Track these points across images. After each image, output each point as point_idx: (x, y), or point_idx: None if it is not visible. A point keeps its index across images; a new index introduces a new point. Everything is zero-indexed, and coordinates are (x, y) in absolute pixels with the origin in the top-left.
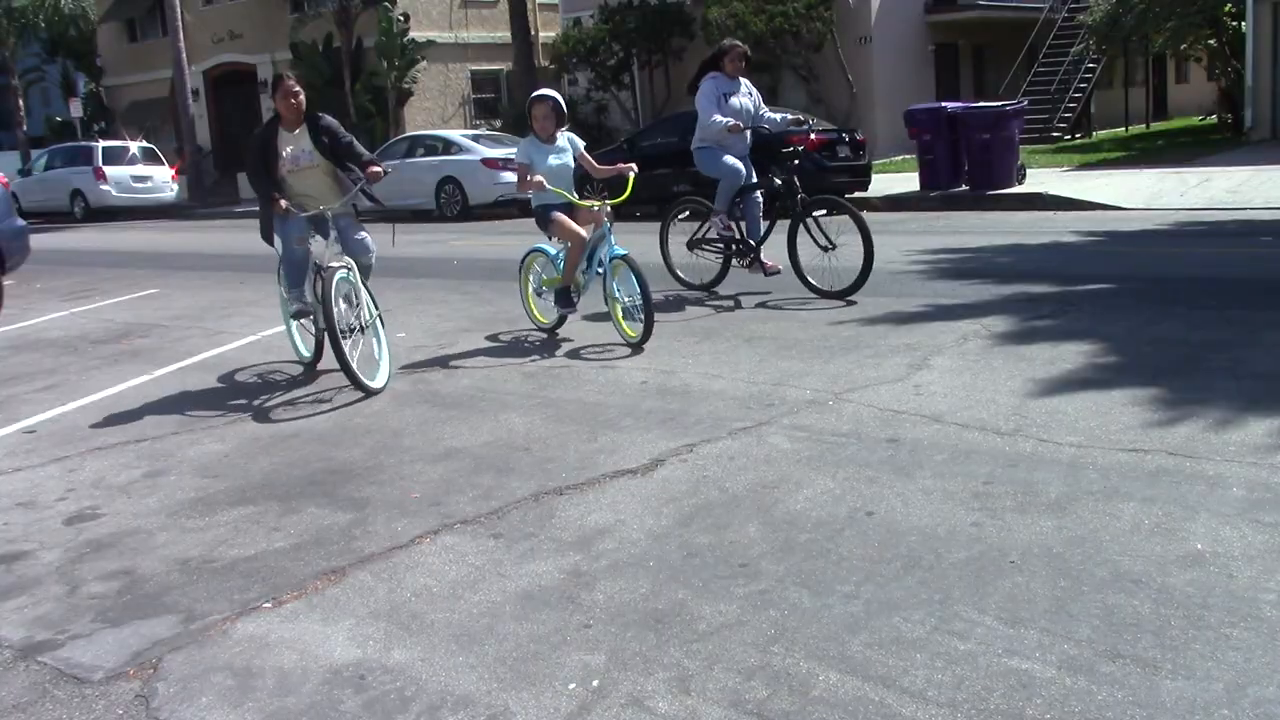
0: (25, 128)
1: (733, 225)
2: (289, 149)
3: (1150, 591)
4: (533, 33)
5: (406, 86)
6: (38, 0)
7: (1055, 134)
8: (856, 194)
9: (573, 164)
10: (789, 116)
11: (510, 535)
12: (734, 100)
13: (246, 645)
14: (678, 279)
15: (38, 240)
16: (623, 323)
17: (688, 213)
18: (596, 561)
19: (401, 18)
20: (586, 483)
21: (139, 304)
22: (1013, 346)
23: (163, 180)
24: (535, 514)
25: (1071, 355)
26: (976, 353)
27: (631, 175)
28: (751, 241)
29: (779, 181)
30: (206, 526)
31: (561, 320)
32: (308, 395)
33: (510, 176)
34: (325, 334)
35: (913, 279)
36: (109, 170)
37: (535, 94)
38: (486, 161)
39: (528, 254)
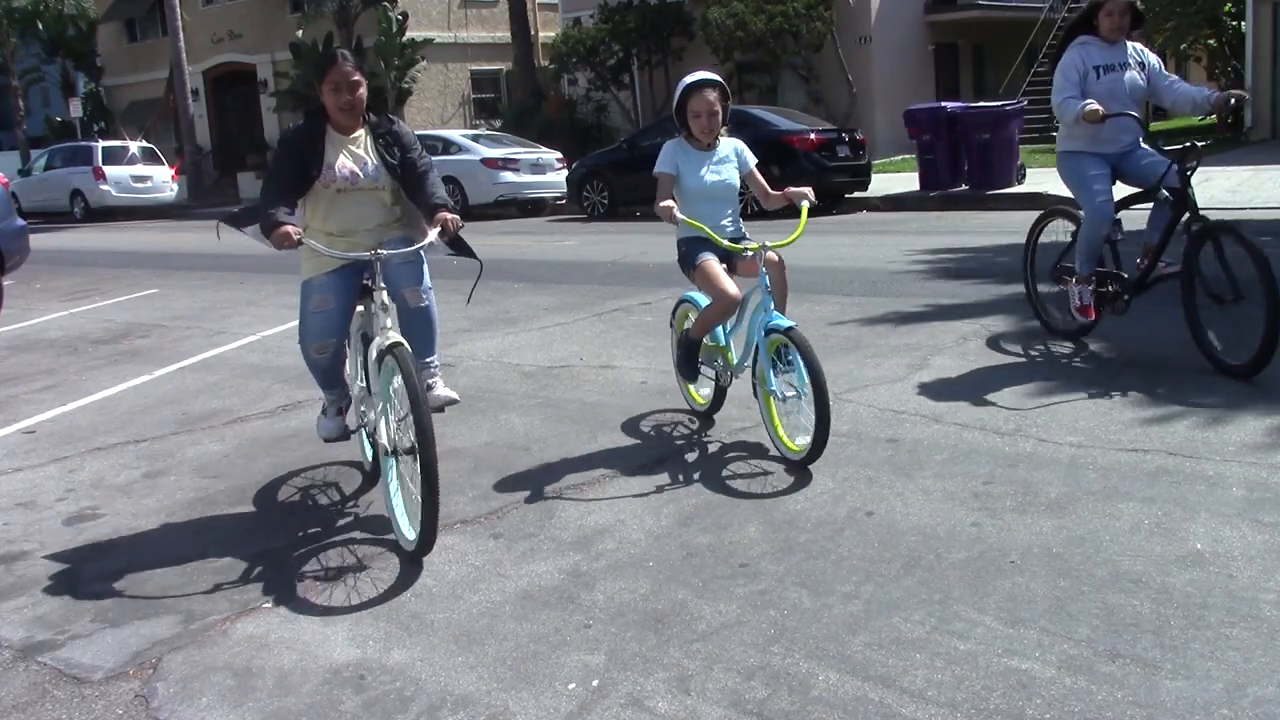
0: (25, 128)
1: (1092, 308)
2: (341, 159)
3: (1150, 591)
4: (533, 32)
5: (406, 86)
6: (39, 1)
7: (1055, 134)
8: (856, 194)
9: (737, 183)
10: (1210, 93)
11: (510, 535)
12: (1112, 76)
13: (246, 645)
14: (1043, 321)
15: (37, 240)
16: (779, 427)
17: (1061, 224)
18: (596, 561)
19: (400, 17)
20: (586, 483)
21: (139, 304)
22: (1013, 346)
23: (162, 180)
24: (535, 514)
25: (1071, 355)
26: (976, 353)
27: (804, 205)
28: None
29: (1165, 193)
30: (206, 526)
31: (718, 400)
32: (308, 395)
33: (510, 176)
34: (420, 448)
35: (913, 279)
36: (109, 170)
37: (689, 80)
38: (486, 161)
39: (678, 305)
